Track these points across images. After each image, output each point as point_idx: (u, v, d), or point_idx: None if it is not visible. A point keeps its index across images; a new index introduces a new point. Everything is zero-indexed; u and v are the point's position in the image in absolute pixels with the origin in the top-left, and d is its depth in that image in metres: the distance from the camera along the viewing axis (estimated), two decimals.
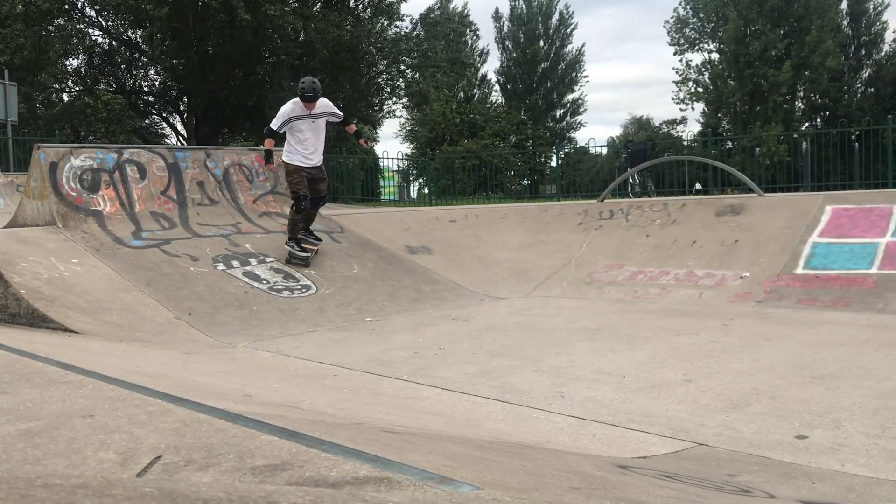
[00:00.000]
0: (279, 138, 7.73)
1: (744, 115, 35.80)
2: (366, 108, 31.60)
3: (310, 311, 6.52)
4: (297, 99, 7.49)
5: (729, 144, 26.82)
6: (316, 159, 7.68)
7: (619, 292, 7.57)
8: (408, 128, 43.29)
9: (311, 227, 8.00)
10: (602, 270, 8.17)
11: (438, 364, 4.74)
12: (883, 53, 37.94)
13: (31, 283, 5.49)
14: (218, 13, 23.97)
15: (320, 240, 7.96)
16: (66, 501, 1.00)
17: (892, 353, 4.62)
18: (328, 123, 7.84)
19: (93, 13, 27.71)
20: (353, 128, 8.20)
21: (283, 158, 7.69)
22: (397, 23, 30.69)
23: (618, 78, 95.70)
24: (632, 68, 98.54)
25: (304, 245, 7.61)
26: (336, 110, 7.91)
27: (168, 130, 32.35)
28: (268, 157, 7.72)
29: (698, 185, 18.51)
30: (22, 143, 18.17)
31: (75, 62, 28.62)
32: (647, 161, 14.64)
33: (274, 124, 7.54)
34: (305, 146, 7.56)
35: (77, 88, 29.23)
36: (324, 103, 7.62)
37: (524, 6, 45.99)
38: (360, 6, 30.28)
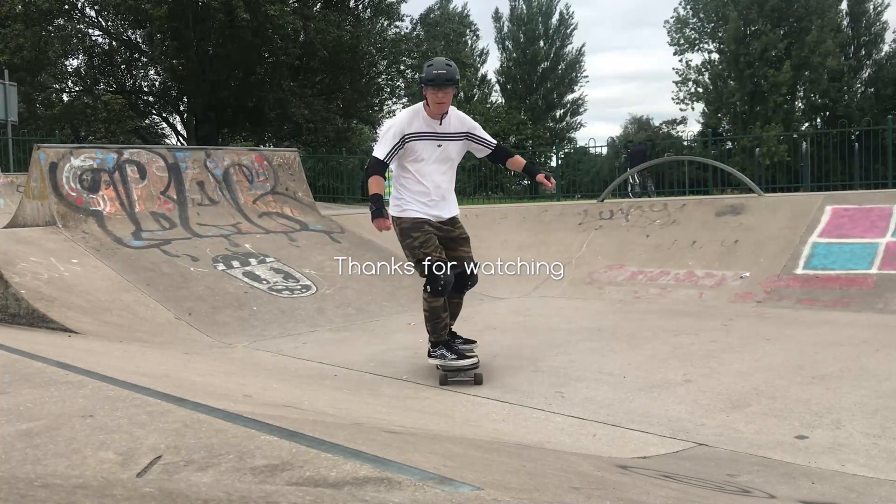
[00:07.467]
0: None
1: (744, 115, 35.78)
2: (366, 108, 31.58)
3: (310, 311, 6.52)
4: (416, 106, 4.46)
5: (729, 144, 26.83)
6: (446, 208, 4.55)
7: (619, 292, 7.56)
8: None
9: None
10: (602, 270, 8.16)
11: None
12: (883, 53, 37.91)
13: (31, 283, 5.49)
14: (218, 13, 23.95)
15: (474, 341, 4.80)
16: (66, 501, 1.00)
17: (892, 353, 4.62)
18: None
19: (93, 13, 27.68)
20: (521, 161, 4.83)
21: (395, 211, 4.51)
22: (397, 23, 30.66)
23: (630, 68, 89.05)
24: (646, 58, 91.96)
25: (459, 347, 4.55)
26: (482, 132, 4.69)
27: (168, 130, 32.34)
28: (377, 209, 4.29)
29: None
30: (22, 143, 18.17)
31: (75, 62, 28.58)
32: (647, 161, 14.65)
33: (380, 151, 4.36)
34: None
35: (77, 88, 29.16)
36: (458, 117, 4.55)
37: (524, 6, 45.97)
38: (360, 6, 30.25)
